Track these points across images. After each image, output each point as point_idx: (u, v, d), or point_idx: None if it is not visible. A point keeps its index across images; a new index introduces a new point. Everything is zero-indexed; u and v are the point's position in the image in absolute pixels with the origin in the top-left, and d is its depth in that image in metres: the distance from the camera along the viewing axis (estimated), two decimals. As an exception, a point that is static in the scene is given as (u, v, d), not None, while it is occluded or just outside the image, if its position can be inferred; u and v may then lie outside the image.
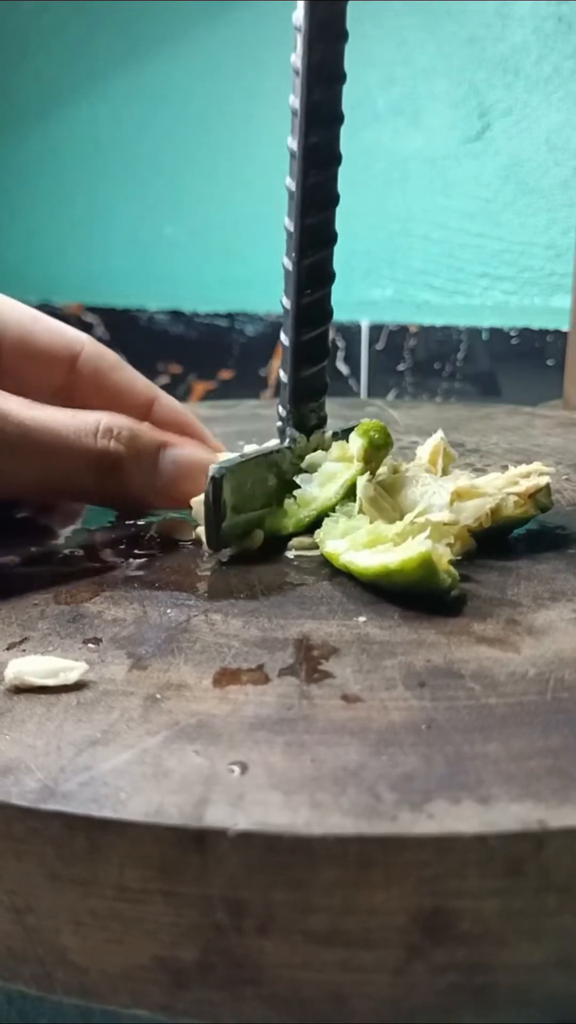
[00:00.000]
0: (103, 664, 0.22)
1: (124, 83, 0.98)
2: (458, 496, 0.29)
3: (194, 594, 0.27)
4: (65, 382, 0.34)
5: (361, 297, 0.90)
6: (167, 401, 0.36)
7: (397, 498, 0.30)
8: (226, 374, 0.99)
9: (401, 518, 0.28)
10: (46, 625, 0.25)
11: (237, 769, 0.18)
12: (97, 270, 1.02)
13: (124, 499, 0.31)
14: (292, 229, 0.30)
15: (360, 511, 0.29)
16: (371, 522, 0.28)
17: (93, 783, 0.17)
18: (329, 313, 0.31)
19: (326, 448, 0.33)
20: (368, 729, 0.19)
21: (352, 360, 0.92)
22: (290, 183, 0.29)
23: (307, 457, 0.32)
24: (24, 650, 0.23)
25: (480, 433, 0.50)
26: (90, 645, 0.24)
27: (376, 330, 0.91)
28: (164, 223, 1.00)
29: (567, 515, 0.34)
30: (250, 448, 0.34)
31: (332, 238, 0.30)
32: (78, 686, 0.21)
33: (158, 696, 0.21)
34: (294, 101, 0.29)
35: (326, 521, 0.29)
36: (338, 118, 0.29)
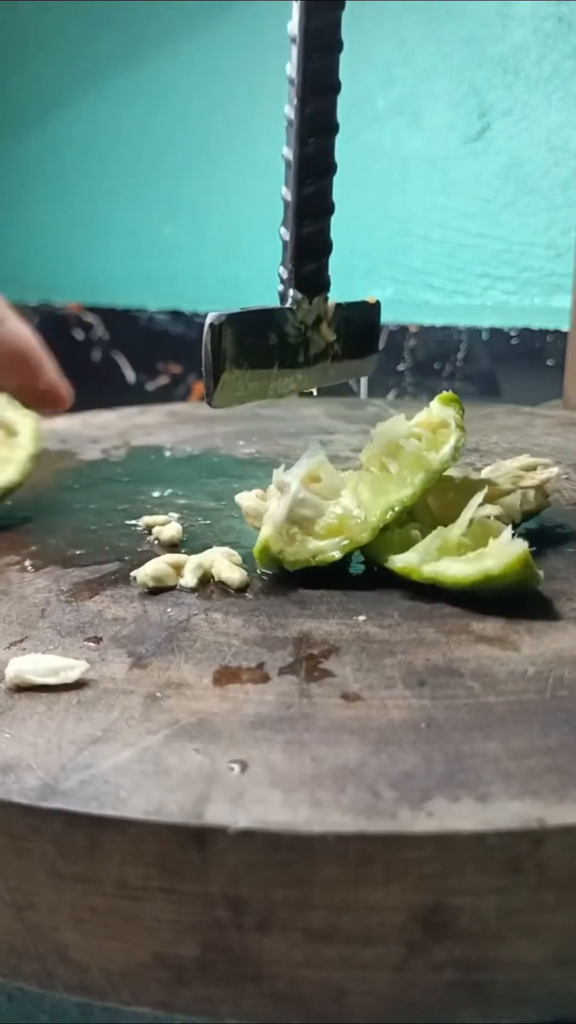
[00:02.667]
0: (103, 663, 0.23)
1: (124, 83, 0.98)
2: (488, 494, 0.29)
3: (194, 593, 0.27)
4: None
5: (361, 297, 0.90)
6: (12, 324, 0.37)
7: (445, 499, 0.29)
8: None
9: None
10: (47, 624, 0.25)
11: (237, 767, 0.18)
12: (97, 270, 1.02)
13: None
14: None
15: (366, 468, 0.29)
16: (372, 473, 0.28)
17: (94, 781, 0.17)
18: (332, 165, 0.30)
19: (327, 316, 0.31)
20: (368, 727, 0.19)
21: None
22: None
23: (379, 429, 0.28)
24: (25, 649, 0.23)
25: (480, 433, 0.50)
26: (90, 644, 0.24)
27: (376, 330, 0.91)
28: (164, 223, 1.00)
29: (567, 514, 0.34)
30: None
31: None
32: (79, 685, 0.21)
33: (158, 694, 0.21)
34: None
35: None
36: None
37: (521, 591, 0.25)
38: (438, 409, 0.29)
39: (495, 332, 0.85)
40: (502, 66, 0.80)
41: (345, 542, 0.27)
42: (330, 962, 0.17)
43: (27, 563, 0.30)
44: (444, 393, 0.29)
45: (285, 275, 0.30)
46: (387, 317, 0.93)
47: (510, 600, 0.25)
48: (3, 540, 0.32)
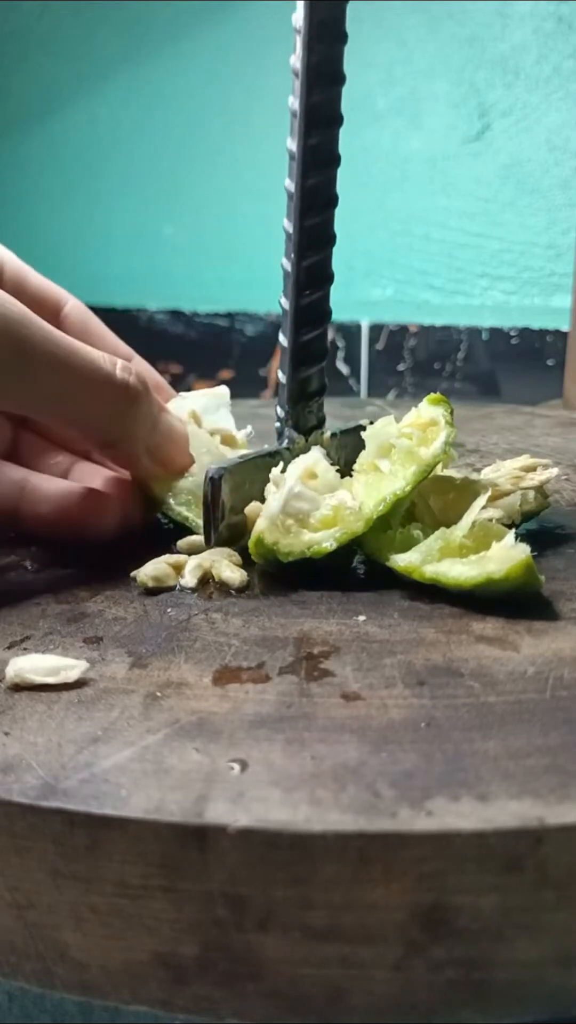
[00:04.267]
0: (104, 662, 0.23)
1: (124, 84, 0.98)
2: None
3: (194, 593, 0.27)
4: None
5: (361, 297, 0.90)
6: (142, 363, 0.37)
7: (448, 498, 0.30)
8: (226, 374, 0.99)
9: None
10: (47, 624, 0.25)
11: (237, 766, 0.18)
12: (97, 270, 1.02)
13: (121, 443, 0.31)
14: (291, 230, 0.30)
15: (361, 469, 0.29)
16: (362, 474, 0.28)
17: (94, 780, 0.17)
18: (328, 314, 0.31)
19: (324, 447, 0.33)
20: (368, 727, 0.19)
21: (352, 360, 0.92)
22: (289, 185, 0.30)
23: (371, 430, 0.29)
24: (25, 648, 0.23)
25: (480, 433, 0.50)
26: (91, 644, 0.24)
27: (376, 330, 0.91)
28: (164, 223, 1.00)
29: (566, 514, 0.34)
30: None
31: (331, 239, 0.31)
32: (79, 684, 0.21)
33: (158, 694, 0.21)
34: (293, 103, 0.29)
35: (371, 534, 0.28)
36: (337, 119, 0.29)
37: (521, 594, 0.25)
38: (427, 409, 0.29)
39: (495, 332, 0.85)
40: (502, 66, 0.81)
41: (340, 533, 0.27)
42: (330, 961, 0.17)
43: (27, 563, 0.30)
44: (432, 395, 0.29)
45: (282, 415, 0.32)
46: (387, 317, 0.93)
47: (510, 600, 0.25)
48: (4, 540, 0.32)
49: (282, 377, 0.32)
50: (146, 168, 0.99)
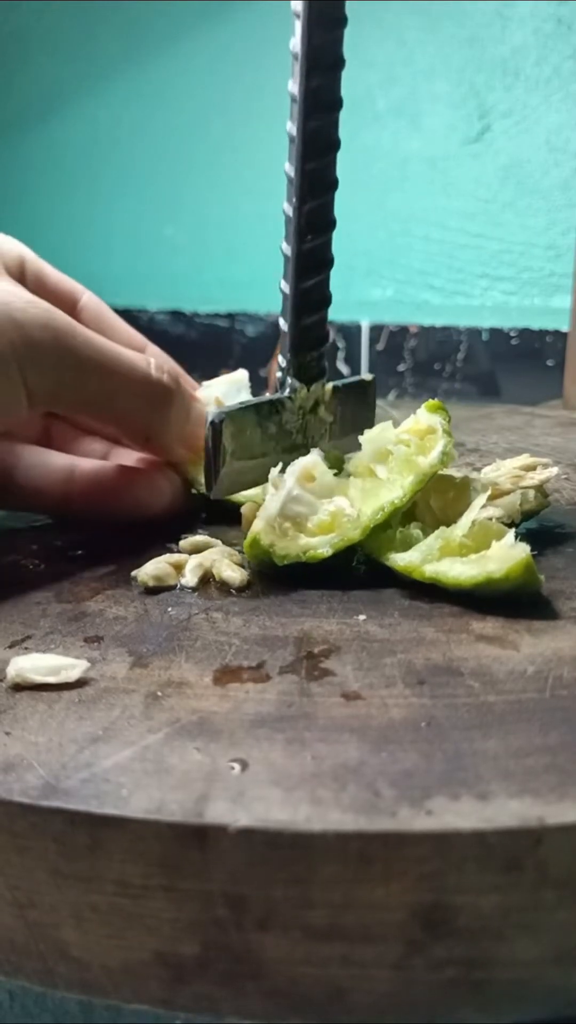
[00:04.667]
0: (104, 662, 0.23)
1: (124, 84, 0.98)
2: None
3: (195, 592, 0.27)
4: None
5: (361, 297, 0.90)
6: (157, 351, 0.38)
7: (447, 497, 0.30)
8: (227, 374, 0.99)
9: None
10: (48, 623, 0.25)
11: (238, 766, 0.18)
12: (97, 270, 1.02)
13: (159, 438, 0.32)
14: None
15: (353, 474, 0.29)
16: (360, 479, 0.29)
17: (95, 780, 0.17)
18: (330, 261, 0.31)
19: (325, 400, 0.32)
20: (368, 726, 0.19)
21: (352, 360, 0.92)
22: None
23: (367, 436, 0.30)
24: (26, 648, 0.23)
25: (480, 433, 0.50)
26: (92, 643, 0.24)
27: (376, 330, 0.91)
28: (164, 223, 1.00)
29: (566, 514, 0.34)
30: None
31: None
32: (80, 684, 0.21)
33: (159, 694, 0.21)
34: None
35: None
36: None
37: (521, 593, 0.25)
38: (425, 416, 0.29)
39: (495, 332, 0.85)
40: (502, 67, 0.81)
41: (337, 539, 0.27)
42: (330, 960, 0.17)
43: (28, 562, 0.30)
44: (430, 401, 0.29)
45: (284, 364, 0.32)
46: (387, 317, 0.93)
47: (510, 600, 0.25)
48: (5, 539, 0.32)
49: (284, 325, 0.31)
50: (147, 168, 0.99)
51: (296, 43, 0.28)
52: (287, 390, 0.32)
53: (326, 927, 0.16)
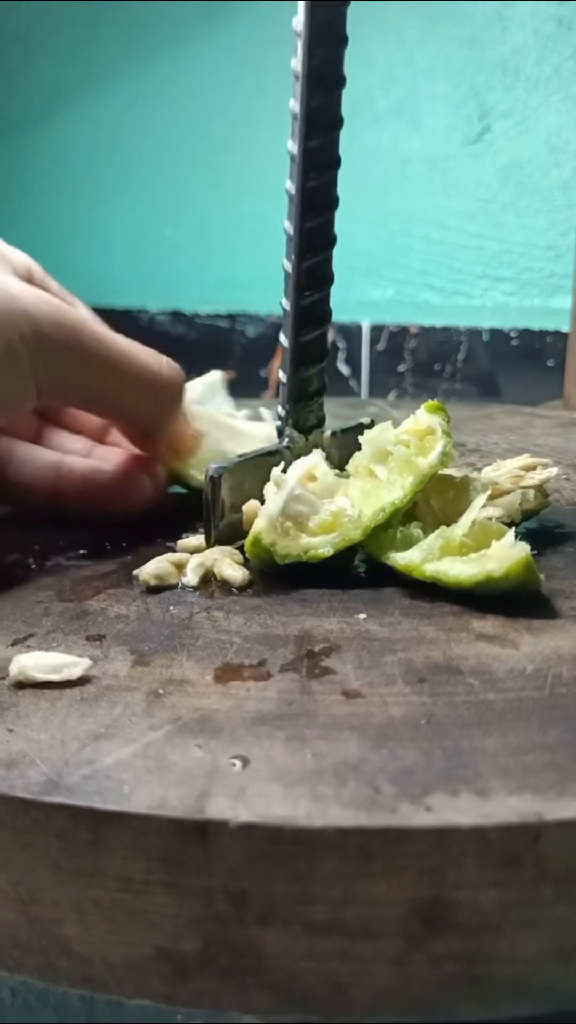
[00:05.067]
0: (106, 660, 0.23)
1: (125, 85, 0.98)
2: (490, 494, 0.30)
3: (196, 591, 0.27)
4: None
5: (362, 298, 0.91)
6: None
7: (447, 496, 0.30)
8: (227, 374, 1.00)
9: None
10: (50, 622, 0.25)
11: (238, 763, 0.18)
12: (98, 271, 1.02)
13: (159, 434, 0.33)
14: (292, 232, 0.30)
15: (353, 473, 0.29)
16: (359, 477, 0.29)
17: (97, 776, 0.18)
18: (328, 314, 0.32)
19: (324, 446, 0.33)
20: (368, 724, 0.19)
21: (353, 361, 0.92)
22: (290, 186, 0.30)
23: (368, 436, 0.30)
24: (29, 646, 0.24)
25: (480, 433, 0.50)
26: (93, 641, 0.24)
27: (377, 331, 0.91)
28: (165, 224, 1.00)
29: (566, 513, 0.34)
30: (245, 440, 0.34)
31: (331, 241, 0.31)
32: (82, 681, 0.22)
33: (160, 691, 0.21)
34: (294, 105, 0.29)
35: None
36: (338, 122, 0.29)
37: (521, 592, 0.25)
38: (424, 417, 0.29)
39: (495, 333, 0.86)
40: (502, 68, 0.81)
41: (338, 539, 0.27)
42: (330, 955, 0.17)
43: (30, 561, 0.30)
44: (429, 402, 0.30)
45: (283, 414, 0.32)
46: (388, 318, 0.93)
47: (510, 599, 0.25)
48: (7, 538, 0.33)
49: (283, 376, 0.32)
50: (147, 169, 1.00)
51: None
52: (285, 440, 0.32)
53: (326, 922, 0.17)
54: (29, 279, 0.34)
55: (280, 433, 0.33)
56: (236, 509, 0.30)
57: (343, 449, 0.34)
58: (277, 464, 0.30)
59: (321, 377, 0.32)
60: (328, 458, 0.32)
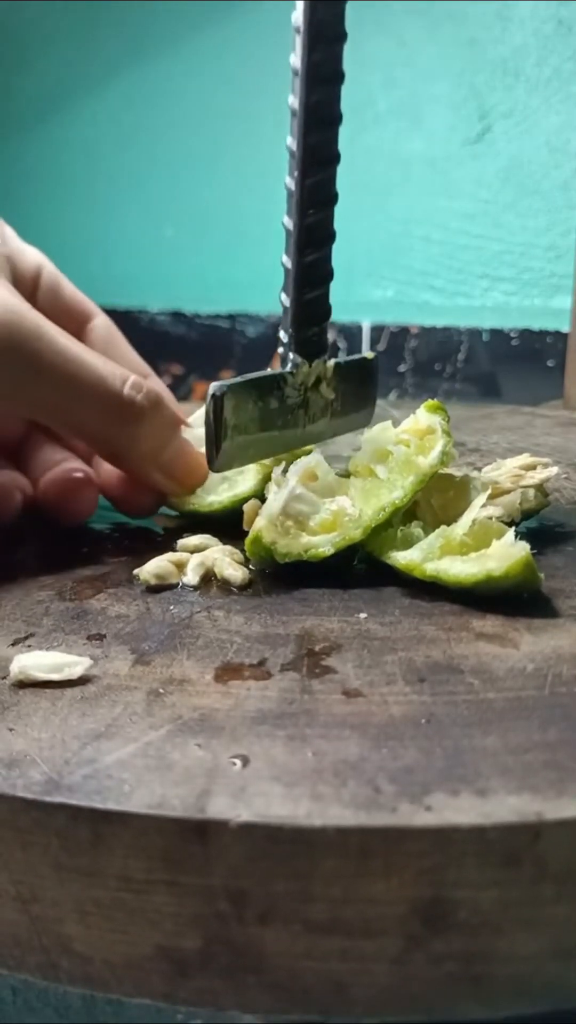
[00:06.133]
0: (107, 659, 0.23)
1: (125, 85, 0.98)
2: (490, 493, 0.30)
3: (196, 591, 0.27)
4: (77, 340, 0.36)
5: (362, 298, 0.91)
6: (157, 383, 0.38)
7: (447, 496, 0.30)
8: (227, 375, 1.00)
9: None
10: (51, 621, 0.25)
11: (239, 762, 0.18)
12: (98, 271, 1.03)
13: (126, 458, 0.32)
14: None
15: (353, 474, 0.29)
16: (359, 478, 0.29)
17: (97, 775, 0.18)
18: (331, 235, 0.31)
19: (327, 376, 0.32)
20: (368, 723, 0.19)
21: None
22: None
23: (366, 436, 0.30)
24: (29, 646, 0.24)
25: (481, 433, 0.50)
26: (94, 641, 0.24)
27: (377, 331, 0.91)
28: (165, 224, 1.00)
29: (566, 513, 0.34)
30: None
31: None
32: (82, 681, 0.22)
33: (161, 691, 0.21)
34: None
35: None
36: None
37: (521, 591, 0.25)
38: (425, 417, 0.29)
39: (495, 333, 0.86)
40: (502, 68, 0.81)
41: (338, 539, 0.27)
42: (330, 954, 0.17)
43: (31, 561, 0.30)
44: (429, 401, 0.30)
45: (285, 339, 0.32)
46: (388, 318, 0.93)
47: (510, 598, 0.25)
48: (8, 539, 0.33)
49: (285, 300, 0.31)
50: (147, 169, 1.00)
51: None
52: (288, 365, 0.31)
53: (326, 921, 0.17)
54: (36, 280, 0.34)
55: (283, 359, 0.32)
56: (239, 431, 0.29)
57: (344, 382, 0.33)
58: (280, 387, 0.30)
59: (325, 301, 0.32)
60: (329, 387, 0.32)
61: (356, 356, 0.34)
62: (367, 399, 0.35)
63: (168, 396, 0.36)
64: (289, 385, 0.31)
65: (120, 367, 0.30)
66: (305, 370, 0.32)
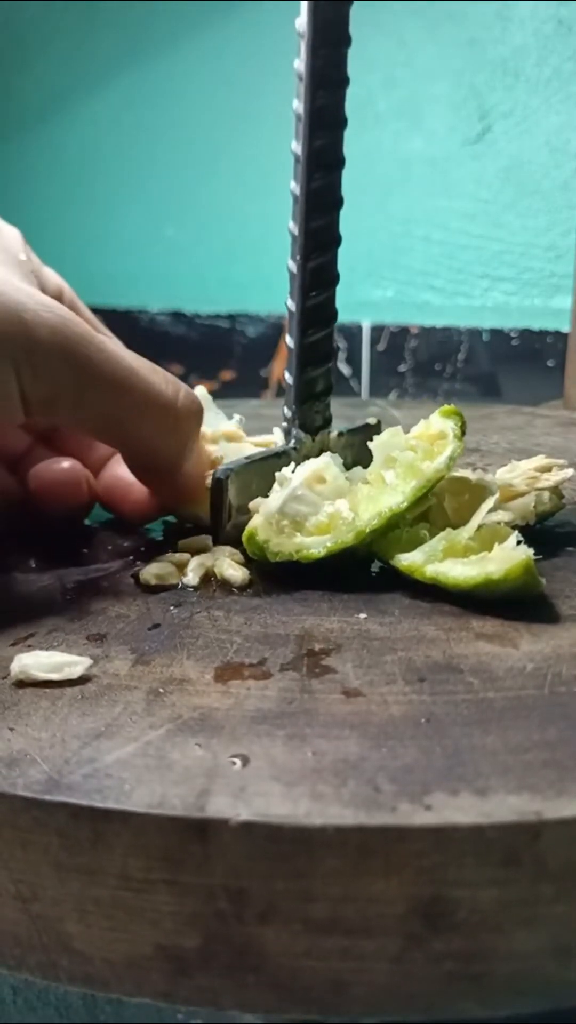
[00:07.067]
0: (107, 659, 0.23)
1: (126, 85, 0.98)
2: (502, 496, 0.29)
3: (196, 591, 0.27)
4: None
5: (362, 298, 0.91)
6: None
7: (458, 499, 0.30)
8: (227, 375, 1.00)
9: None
10: (51, 621, 0.25)
11: (239, 761, 0.18)
12: (98, 271, 1.03)
13: (170, 468, 0.30)
14: (296, 233, 0.30)
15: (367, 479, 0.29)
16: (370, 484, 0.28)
17: (97, 775, 0.18)
18: (334, 315, 0.32)
19: (330, 447, 0.33)
20: (368, 723, 0.19)
21: (354, 361, 0.92)
22: (295, 187, 0.30)
23: (377, 441, 0.29)
24: (30, 645, 0.24)
25: (481, 433, 0.50)
26: (94, 641, 0.24)
27: (377, 331, 0.91)
28: (165, 224, 1.01)
29: (566, 512, 0.34)
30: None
31: (336, 241, 0.31)
32: (82, 680, 0.22)
33: (161, 690, 0.21)
34: (298, 106, 0.29)
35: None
36: (341, 122, 0.29)
37: (521, 595, 0.25)
38: (438, 421, 0.29)
39: (495, 333, 0.86)
40: (502, 68, 0.81)
41: (331, 542, 0.27)
42: (330, 953, 0.17)
43: (32, 561, 0.30)
44: (446, 406, 0.29)
45: (289, 415, 0.32)
46: (388, 318, 0.93)
47: (510, 599, 0.25)
48: (9, 538, 0.33)
49: (289, 378, 0.32)
50: (147, 169, 1.00)
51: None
52: (292, 441, 0.32)
53: (326, 920, 0.17)
54: (58, 297, 0.33)
55: (287, 434, 0.32)
56: (243, 511, 0.30)
57: (350, 449, 0.34)
58: (284, 466, 0.30)
59: (327, 378, 0.32)
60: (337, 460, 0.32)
61: (359, 423, 0.35)
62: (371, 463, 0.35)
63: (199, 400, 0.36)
64: (294, 461, 0.31)
65: (171, 375, 0.29)
66: (309, 445, 0.32)
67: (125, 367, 0.27)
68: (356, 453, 0.34)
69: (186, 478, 0.31)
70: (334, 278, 0.31)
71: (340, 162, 0.30)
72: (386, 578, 0.27)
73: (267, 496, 0.29)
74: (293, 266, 0.30)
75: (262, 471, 0.30)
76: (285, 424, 0.32)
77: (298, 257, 0.30)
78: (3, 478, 0.34)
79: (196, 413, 0.30)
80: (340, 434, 0.33)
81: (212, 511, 0.29)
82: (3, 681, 0.22)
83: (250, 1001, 0.17)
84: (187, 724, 0.19)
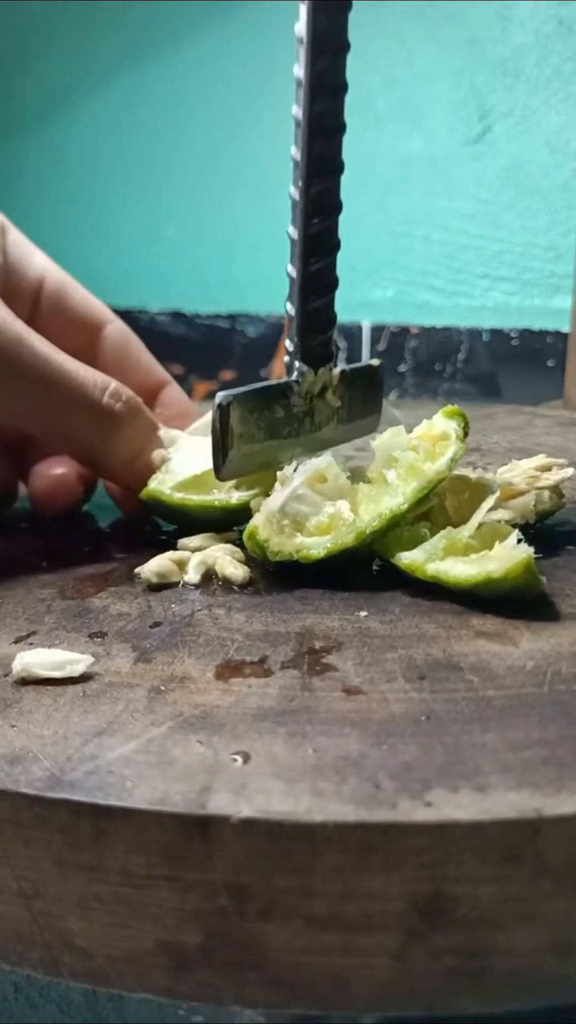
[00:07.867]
0: (108, 657, 0.23)
1: (126, 85, 0.98)
2: (502, 494, 0.29)
3: (197, 589, 0.27)
4: (88, 348, 0.36)
5: (362, 298, 0.91)
6: (176, 390, 0.37)
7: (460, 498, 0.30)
8: (227, 375, 1.00)
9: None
10: (53, 619, 0.25)
11: (240, 758, 0.18)
12: (98, 271, 1.03)
13: (103, 464, 0.32)
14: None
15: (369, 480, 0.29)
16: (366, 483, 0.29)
17: (99, 772, 0.18)
18: (336, 244, 0.31)
19: (332, 384, 0.32)
20: (369, 720, 0.19)
21: (354, 361, 0.93)
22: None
23: (379, 441, 0.29)
24: (31, 643, 0.24)
25: (481, 432, 0.50)
26: (96, 639, 0.24)
27: (377, 331, 0.91)
28: (165, 224, 1.01)
29: (566, 511, 0.34)
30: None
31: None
32: (84, 678, 0.22)
33: (162, 688, 0.21)
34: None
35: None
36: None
37: (522, 594, 0.25)
38: (440, 422, 0.29)
39: (495, 333, 0.86)
40: (502, 68, 0.81)
41: (331, 543, 0.27)
42: (331, 949, 0.17)
43: (33, 559, 0.30)
44: (449, 407, 0.29)
45: (291, 348, 0.32)
46: (388, 318, 0.93)
47: (510, 598, 0.25)
48: (11, 537, 0.33)
49: (291, 309, 0.31)
50: (147, 169, 1.00)
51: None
52: (294, 374, 0.31)
53: (327, 916, 0.17)
54: (37, 291, 0.34)
55: (289, 367, 0.32)
56: (246, 439, 0.29)
57: (350, 389, 0.33)
58: (286, 396, 0.30)
59: (330, 309, 0.32)
60: (335, 394, 0.32)
61: (362, 363, 0.34)
62: (373, 406, 0.35)
63: (183, 406, 0.37)
64: (295, 393, 0.31)
65: (101, 375, 0.31)
66: (311, 378, 0.32)
67: (54, 365, 0.29)
68: (356, 393, 0.34)
69: (119, 474, 0.32)
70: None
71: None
72: (387, 576, 0.27)
73: (269, 425, 0.29)
74: (295, 193, 0.30)
75: (264, 400, 0.30)
76: (287, 357, 0.32)
77: (300, 182, 0.30)
78: (5, 469, 0.34)
79: (127, 412, 0.31)
80: (343, 372, 0.33)
81: (214, 439, 0.29)
82: (5, 679, 0.22)
83: (251, 997, 0.17)
84: (188, 721, 0.20)
